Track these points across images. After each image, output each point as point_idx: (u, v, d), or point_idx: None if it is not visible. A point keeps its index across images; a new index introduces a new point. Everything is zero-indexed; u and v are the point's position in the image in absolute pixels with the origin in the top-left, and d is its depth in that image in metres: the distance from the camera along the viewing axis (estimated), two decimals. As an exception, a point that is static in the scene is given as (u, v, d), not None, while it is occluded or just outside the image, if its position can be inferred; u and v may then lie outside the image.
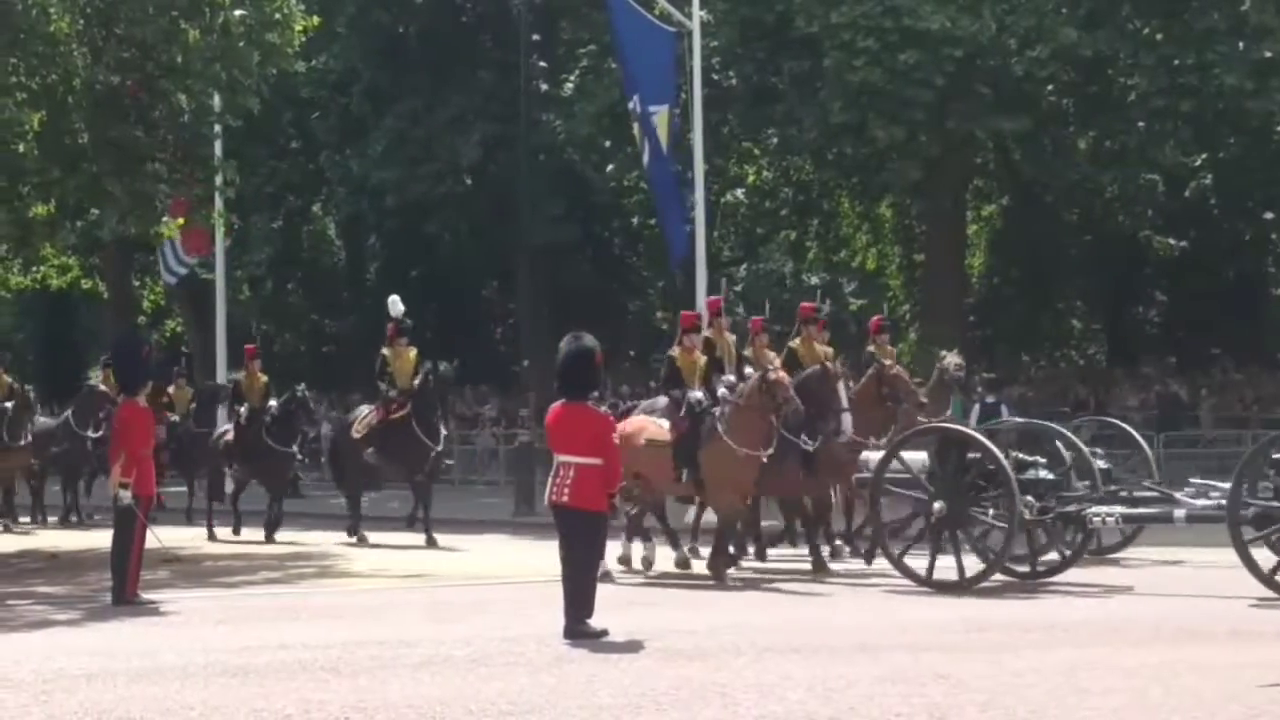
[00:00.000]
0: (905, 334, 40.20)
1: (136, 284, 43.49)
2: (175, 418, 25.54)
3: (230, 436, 22.60)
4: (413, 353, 21.23)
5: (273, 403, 22.16)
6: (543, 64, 37.64)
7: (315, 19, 22.13)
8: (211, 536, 22.12)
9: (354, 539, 21.00)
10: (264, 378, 22.63)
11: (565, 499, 11.49)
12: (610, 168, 33.81)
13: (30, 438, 24.28)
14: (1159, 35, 28.32)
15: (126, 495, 13.96)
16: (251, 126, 26.51)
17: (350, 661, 10.37)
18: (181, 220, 23.36)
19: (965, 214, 34.47)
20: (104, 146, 19.87)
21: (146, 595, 14.09)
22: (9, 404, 23.99)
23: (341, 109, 36.51)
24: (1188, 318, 35.82)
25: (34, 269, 40.86)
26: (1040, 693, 9.20)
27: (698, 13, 25.79)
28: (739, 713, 8.70)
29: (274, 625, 12.46)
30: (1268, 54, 26.81)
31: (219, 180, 22.19)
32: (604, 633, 11.24)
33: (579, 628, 11.25)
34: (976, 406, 28.29)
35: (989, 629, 11.88)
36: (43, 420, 25.99)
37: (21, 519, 25.58)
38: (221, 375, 30.71)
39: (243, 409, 22.25)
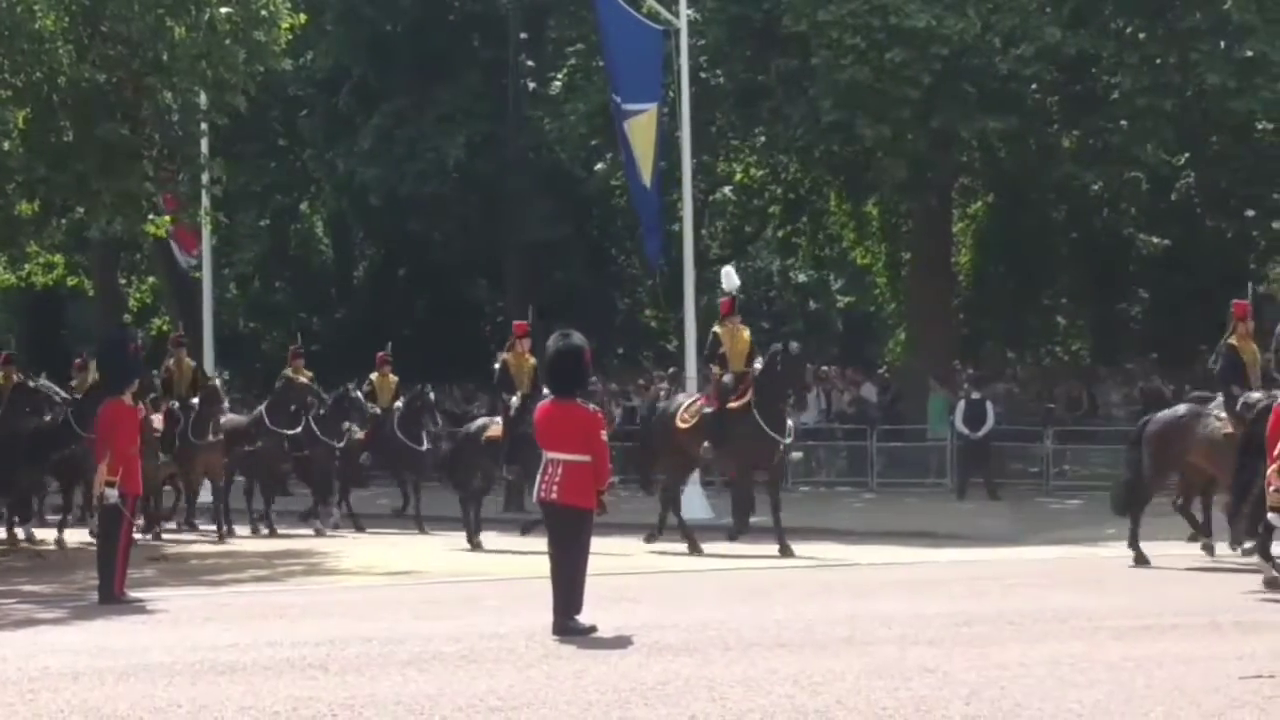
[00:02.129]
0: (893, 331, 40.30)
1: (123, 281, 43.37)
2: (377, 409, 23.29)
3: (496, 431, 19.69)
4: (746, 333, 19.00)
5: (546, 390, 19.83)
6: (530, 62, 37.61)
7: (302, 16, 22.09)
8: (476, 544, 19.61)
9: (651, 543, 18.91)
10: (532, 360, 19.48)
11: (554, 496, 11.51)
12: (599, 166, 33.79)
13: (220, 434, 21.92)
14: (1142, 34, 28.35)
15: (113, 494, 13.93)
16: (239, 125, 26.43)
17: (339, 658, 10.37)
18: (169, 218, 23.31)
19: (951, 212, 34.50)
20: (90, 144, 19.83)
21: (133, 593, 14.07)
22: (195, 399, 21.85)
23: (328, 107, 36.46)
24: (1171, 315, 35.89)
25: (20, 266, 40.77)
26: (1025, 685, 9.23)
27: (685, 11, 25.79)
28: (726, 707, 8.72)
29: (262, 623, 12.45)
30: (1249, 53, 26.84)
31: (205, 178, 22.13)
32: (592, 629, 11.25)
33: (567, 624, 11.26)
34: (961, 403, 28.47)
35: (974, 623, 11.91)
36: (233, 416, 23.37)
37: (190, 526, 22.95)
38: (210, 373, 30.48)
39: (514, 399, 19.39)
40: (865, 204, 36.59)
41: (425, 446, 22.81)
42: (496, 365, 20.48)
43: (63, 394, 21.55)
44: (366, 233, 40.49)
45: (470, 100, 34.83)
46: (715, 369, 18.78)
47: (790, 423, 18.61)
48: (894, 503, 25.79)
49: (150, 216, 22.01)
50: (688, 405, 19.21)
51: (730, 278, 19.39)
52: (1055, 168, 30.02)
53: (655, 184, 25.44)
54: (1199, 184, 33.98)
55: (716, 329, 18.95)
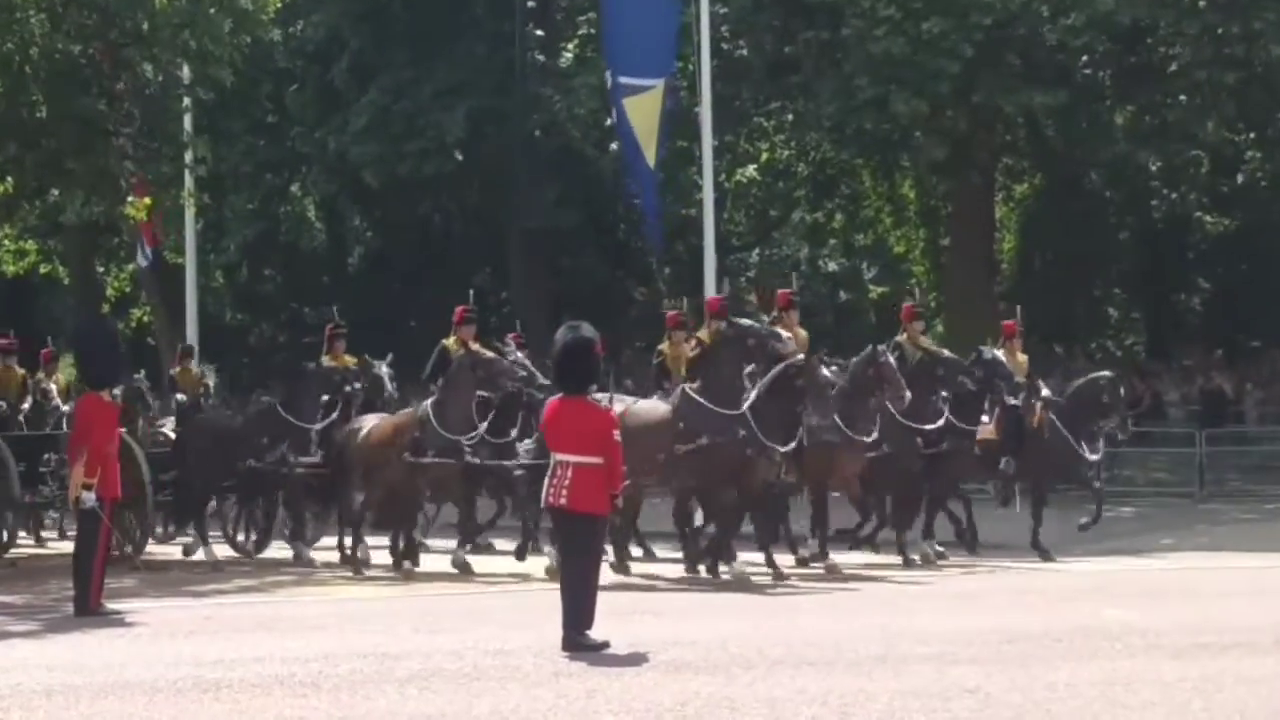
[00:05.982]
0: (932, 323, 40.25)
1: (100, 269, 43.44)
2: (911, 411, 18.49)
3: (989, 433, 18.08)
4: None
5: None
6: (539, 32, 37.59)
7: (292, -16, 22.18)
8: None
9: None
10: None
11: (563, 501, 11.53)
12: (613, 146, 33.81)
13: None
14: (1202, 2, 28.29)
15: (90, 497, 13.97)
16: (225, 100, 26.45)
17: (332, 675, 10.40)
18: (148, 200, 23.34)
19: (994, 194, 34.46)
20: (64, 120, 19.88)
21: (112, 605, 14.11)
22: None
23: (321, 81, 36.44)
24: (1233, 306, 35.81)
25: (-10, 253, 40.92)
26: (1073, 707, 9.23)
27: (706, -23, 25.77)
28: (749, 730, 8.74)
29: (249, 636, 12.49)
30: (1320, 22, 26.79)
31: (189, 157, 22.15)
32: (605, 644, 11.27)
33: (578, 639, 11.28)
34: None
35: (1019, 639, 11.91)
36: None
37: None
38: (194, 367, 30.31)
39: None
40: (901, 187, 36.57)
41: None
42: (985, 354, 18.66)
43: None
44: (361, 216, 40.46)
45: (473, 74, 34.77)
46: None
47: None
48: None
49: (129, 199, 22.04)
50: None
51: None
52: (1108, 146, 29.97)
53: (657, 167, 25.60)
54: (1265, 164, 33.87)
55: None
